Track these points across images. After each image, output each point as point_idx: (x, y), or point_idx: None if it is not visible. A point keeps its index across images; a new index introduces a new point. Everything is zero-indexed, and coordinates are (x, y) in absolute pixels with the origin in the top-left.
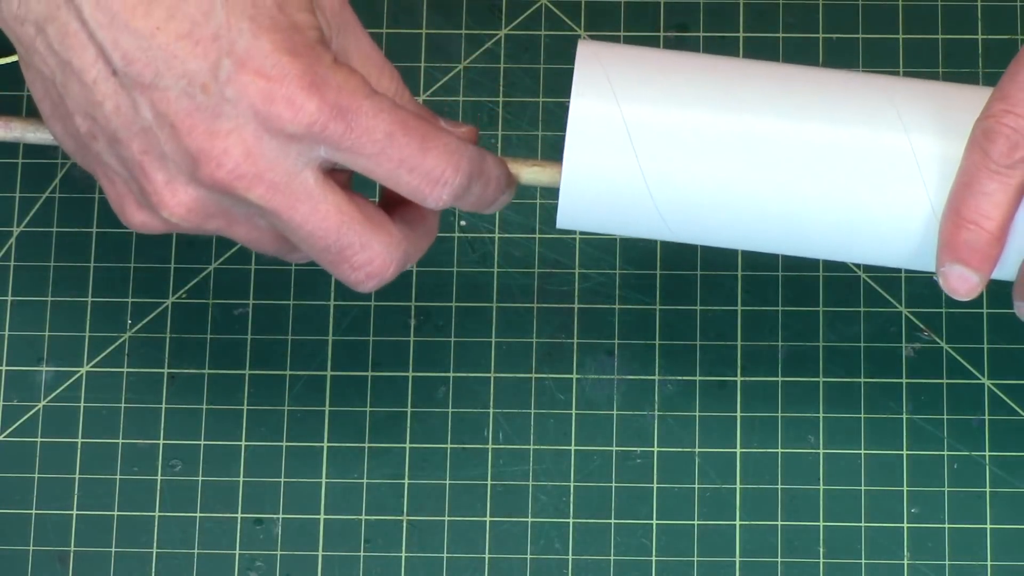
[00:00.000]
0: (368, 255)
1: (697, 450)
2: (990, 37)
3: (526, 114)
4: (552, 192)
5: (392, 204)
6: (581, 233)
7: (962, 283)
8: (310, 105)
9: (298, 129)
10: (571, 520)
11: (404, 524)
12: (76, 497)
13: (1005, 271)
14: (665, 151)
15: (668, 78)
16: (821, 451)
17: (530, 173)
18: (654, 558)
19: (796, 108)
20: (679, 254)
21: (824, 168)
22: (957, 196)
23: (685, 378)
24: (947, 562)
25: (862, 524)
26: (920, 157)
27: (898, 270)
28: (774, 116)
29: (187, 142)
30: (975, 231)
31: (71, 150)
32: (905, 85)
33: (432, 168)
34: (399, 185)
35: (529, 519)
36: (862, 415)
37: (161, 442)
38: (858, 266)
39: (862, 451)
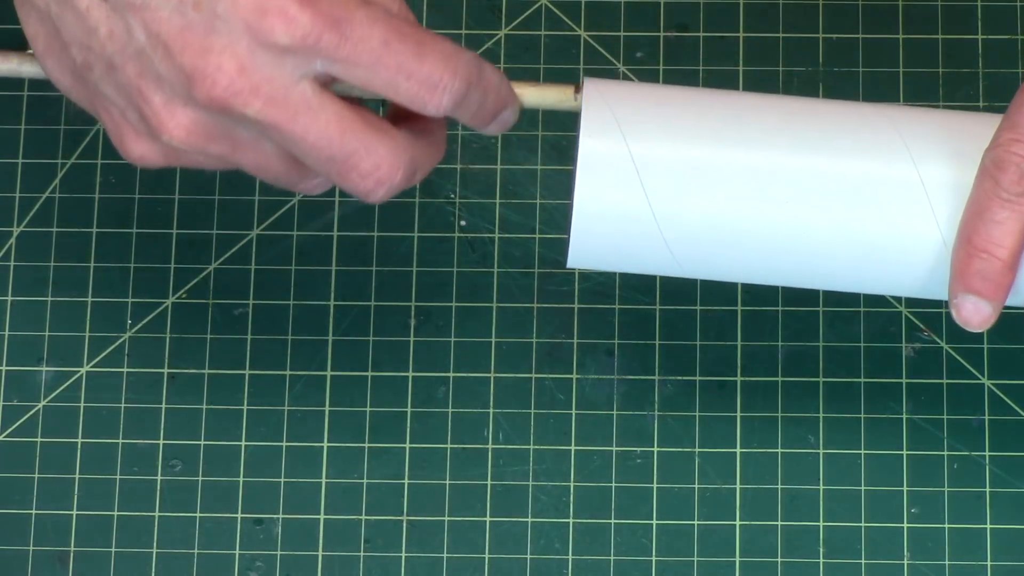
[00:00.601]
0: (374, 160)
1: (697, 450)
2: (990, 37)
3: (526, 114)
4: (552, 192)
5: (396, 119)
6: None
7: (976, 314)
8: (303, 16)
9: (292, 41)
10: (571, 520)
11: (404, 524)
12: (76, 497)
13: (1018, 298)
14: (674, 188)
15: (674, 115)
16: (821, 451)
17: (533, 95)
18: (654, 558)
19: (803, 142)
20: None
21: (833, 201)
22: (968, 225)
23: (685, 378)
24: (947, 562)
25: (862, 524)
26: (929, 187)
27: None
28: (781, 150)
29: (181, 61)
30: (987, 260)
31: (67, 85)
32: (911, 115)
33: (430, 73)
34: (398, 93)
35: (529, 519)
36: (862, 415)
37: (161, 442)
38: None
39: (862, 451)
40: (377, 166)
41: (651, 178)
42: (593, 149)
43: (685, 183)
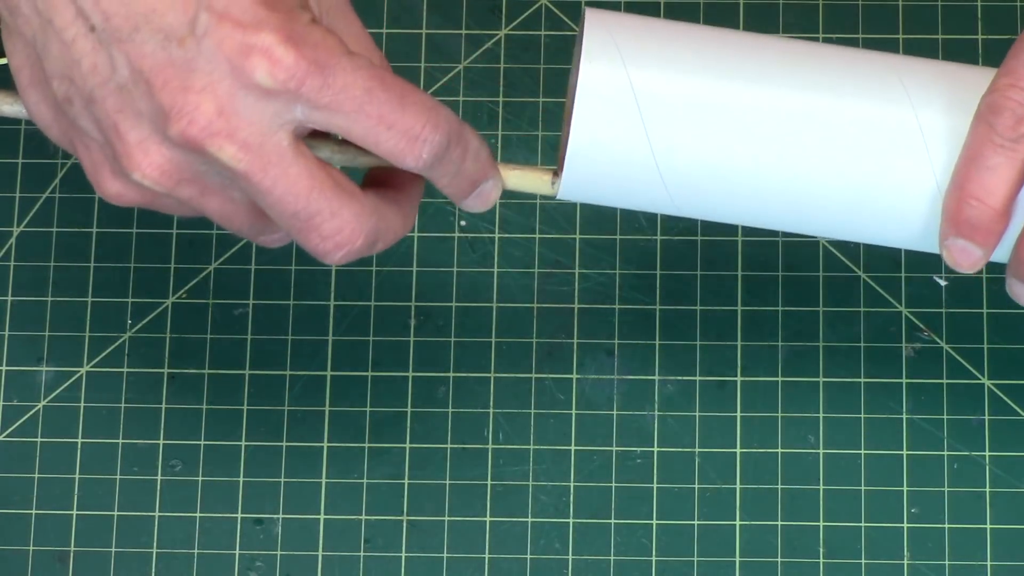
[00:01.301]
0: (338, 223)
1: (697, 450)
2: (990, 37)
3: (526, 114)
4: None
5: (370, 185)
6: (581, 233)
7: (965, 256)
8: (287, 58)
9: (275, 84)
10: (571, 520)
11: (404, 524)
12: (76, 497)
13: (1006, 250)
14: (673, 120)
15: (676, 47)
16: (821, 451)
17: (514, 177)
18: (654, 558)
19: (805, 82)
20: (679, 254)
21: (831, 142)
22: (961, 171)
23: (685, 378)
24: (947, 562)
25: (862, 524)
26: (927, 133)
27: (898, 270)
28: (783, 88)
29: (160, 97)
30: (978, 207)
31: (47, 121)
32: (913, 62)
33: (411, 125)
34: (378, 144)
35: (529, 519)
36: (862, 415)
37: (161, 442)
38: (858, 266)
39: (862, 451)
40: (339, 230)
41: (650, 108)
42: (593, 76)
43: (684, 116)
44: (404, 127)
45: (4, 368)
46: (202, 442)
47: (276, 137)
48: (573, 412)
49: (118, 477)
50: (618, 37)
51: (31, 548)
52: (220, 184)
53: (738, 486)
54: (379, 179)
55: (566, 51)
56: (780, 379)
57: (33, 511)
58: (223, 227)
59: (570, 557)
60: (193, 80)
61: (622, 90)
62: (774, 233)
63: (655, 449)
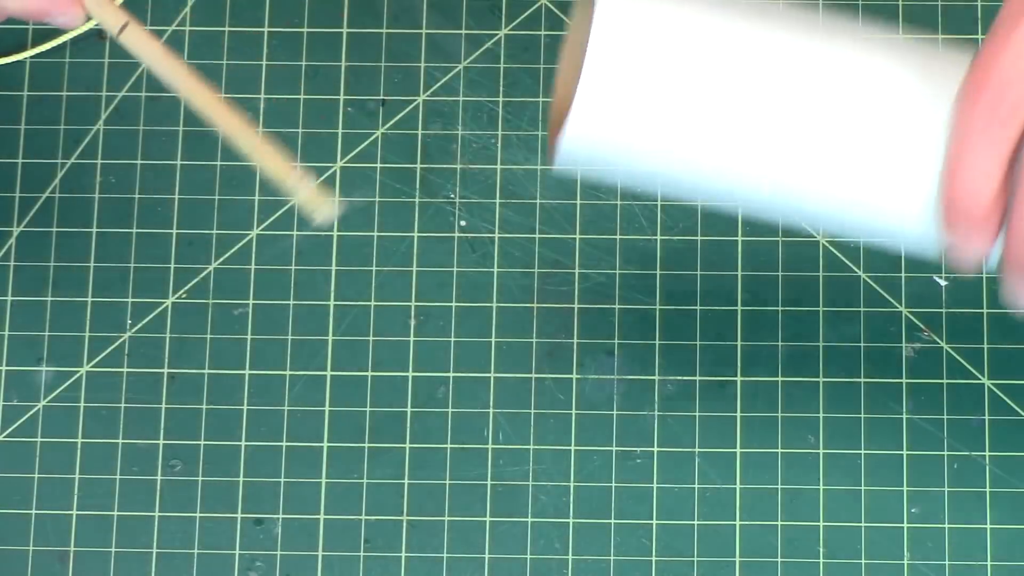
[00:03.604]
0: None
1: (697, 450)
2: None
3: (526, 114)
4: (552, 192)
5: None
6: (581, 233)
7: (967, 241)
8: None
9: None
10: (571, 520)
11: (404, 524)
12: (76, 497)
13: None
14: (693, 69)
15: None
16: (821, 451)
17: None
18: (654, 558)
19: (826, 42)
20: (679, 254)
21: (849, 100)
22: (952, 153)
23: (685, 378)
24: (947, 562)
25: (862, 524)
26: (937, 121)
27: (898, 270)
28: (807, 44)
29: None
30: (972, 186)
31: None
32: (940, 53)
33: None
34: None
35: (529, 519)
36: (862, 415)
37: (161, 442)
38: (858, 266)
39: (862, 451)
40: None
41: (669, 51)
42: (612, 8)
43: (706, 65)
44: None
45: (4, 368)
46: (202, 442)
47: None
48: (573, 412)
49: (118, 477)
50: None
51: (31, 548)
52: None
53: (738, 486)
54: None
55: None
56: (780, 379)
57: (33, 511)
58: None
59: (570, 557)
60: None
61: (642, 30)
62: (774, 233)
63: (655, 449)
